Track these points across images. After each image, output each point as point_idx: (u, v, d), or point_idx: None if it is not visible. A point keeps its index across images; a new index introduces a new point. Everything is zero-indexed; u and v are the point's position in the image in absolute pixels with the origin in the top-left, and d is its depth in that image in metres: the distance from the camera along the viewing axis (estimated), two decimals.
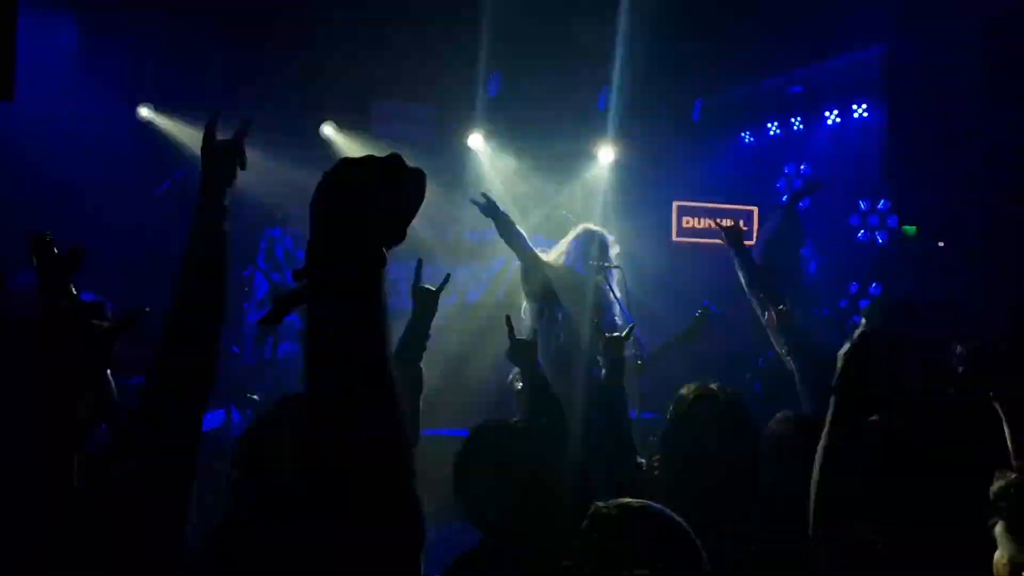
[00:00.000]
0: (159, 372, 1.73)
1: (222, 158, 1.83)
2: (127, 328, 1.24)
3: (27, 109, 4.22)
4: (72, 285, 1.46)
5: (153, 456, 1.62)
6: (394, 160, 0.86)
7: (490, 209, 3.73)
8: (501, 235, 3.89)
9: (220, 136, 1.84)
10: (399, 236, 0.85)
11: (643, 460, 2.46)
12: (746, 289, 3.32)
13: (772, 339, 3.14)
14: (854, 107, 5.53)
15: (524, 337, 2.97)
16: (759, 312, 3.21)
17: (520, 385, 3.28)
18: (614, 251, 4.07)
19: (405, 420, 0.82)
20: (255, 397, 4.63)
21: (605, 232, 4.09)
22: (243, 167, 1.85)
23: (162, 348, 1.72)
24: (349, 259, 0.80)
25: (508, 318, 3.03)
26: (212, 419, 4.61)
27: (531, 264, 3.84)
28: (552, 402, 2.62)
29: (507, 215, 3.88)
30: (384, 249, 0.83)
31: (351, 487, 0.77)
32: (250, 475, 1.89)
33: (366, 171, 0.84)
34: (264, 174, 4.84)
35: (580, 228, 4.08)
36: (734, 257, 3.34)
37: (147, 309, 1.35)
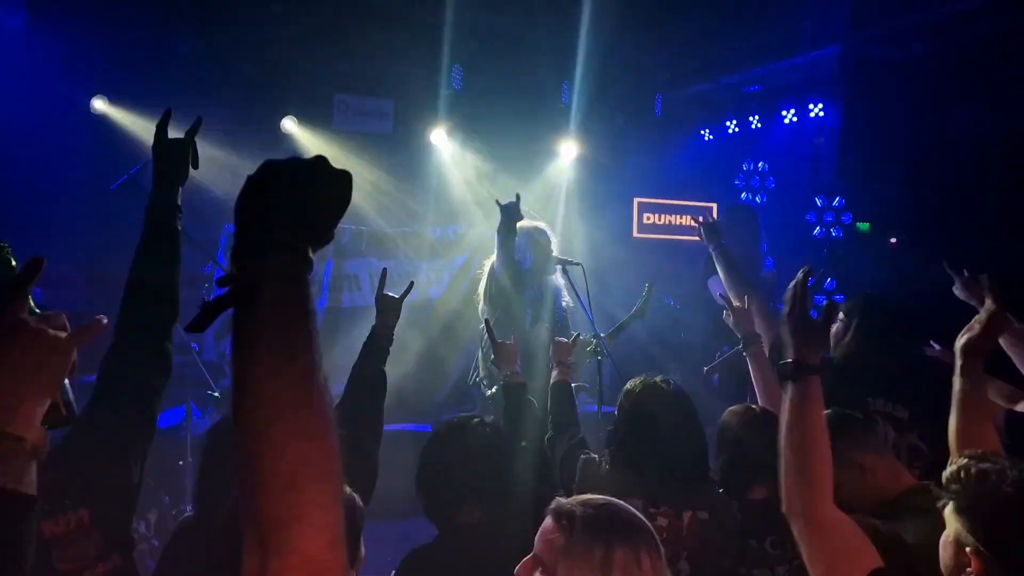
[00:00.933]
0: (111, 371, 1.68)
1: (174, 156, 1.82)
2: (87, 338, 1.11)
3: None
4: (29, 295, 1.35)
5: (106, 445, 1.61)
6: (316, 162, 0.86)
7: (514, 214, 3.64)
8: (500, 239, 3.74)
9: (173, 134, 1.82)
10: (323, 238, 0.85)
11: (595, 456, 2.46)
12: (724, 281, 3.29)
13: (735, 331, 3.12)
14: (811, 106, 5.56)
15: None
16: (727, 306, 3.20)
17: (490, 390, 3.40)
18: (554, 244, 4.03)
19: (332, 423, 0.78)
20: (215, 394, 4.54)
21: (544, 227, 4.05)
22: (195, 166, 1.85)
23: (115, 341, 1.69)
24: (268, 262, 0.78)
25: (488, 323, 3.07)
26: (173, 416, 4.57)
27: (510, 276, 3.77)
28: (530, 405, 2.64)
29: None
30: (308, 251, 0.82)
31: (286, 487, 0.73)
32: (215, 467, 1.96)
33: (284, 174, 0.83)
34: (224, 170, 4.74)
35: (533, 225, 4.02)
36: (713, 251, 3.33)
37: (104, 319, 1.20)
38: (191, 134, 1.84)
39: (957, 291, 2.98)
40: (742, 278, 3.28)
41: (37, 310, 1.16)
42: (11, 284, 1.18)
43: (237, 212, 0.83)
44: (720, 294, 3.60)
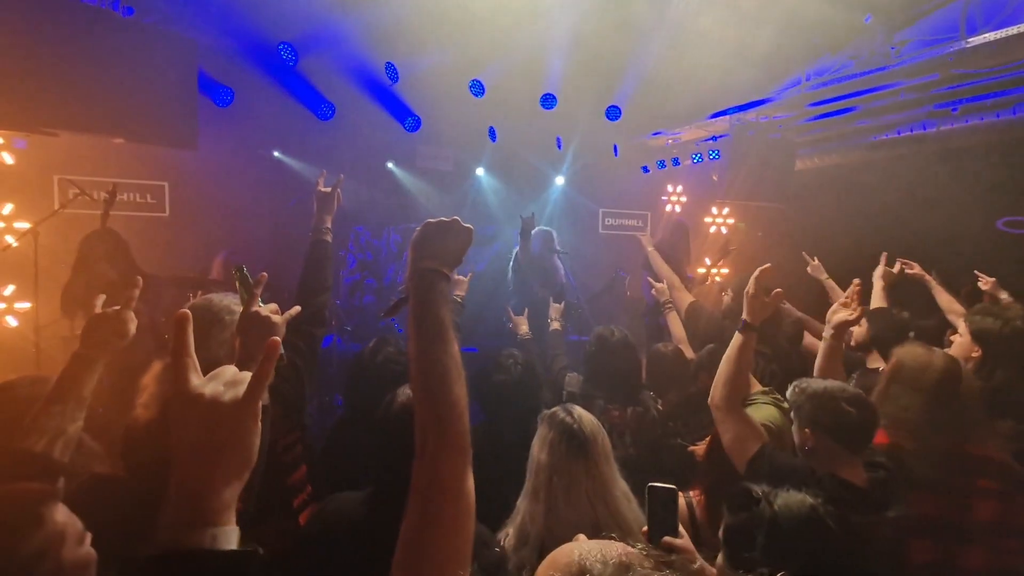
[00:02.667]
0: (295, 327, 1.83)
1: (327, 201, 2.20)
2: (288, 319, 1.44)
3: (199, 150, 4.41)
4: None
5: (299, 356, 1.86)
6: (452, 222, 1.07)
7: (529, 223, 4.06)
8: (521, 238, 4.17)
9: (325, 186, 2.23)
10: (455, 263, 1.06)
11: (575, 373, 2.67)
12: (655, 267, 3.55)
13: (657, 297, 3.55)
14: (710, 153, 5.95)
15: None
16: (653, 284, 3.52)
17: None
18: (556, 241, 4.60)
19: (457, 350, 0.93)
20: (348, 328, 5.32)
21: (550, 230, 4.67)
22: (340, 204, 2.25)
23: (296, 302, 1.82)
24: (428, 276, 1.00)
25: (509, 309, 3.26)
26: (326, 341, 4.85)
27: (526, 261, 4.28)
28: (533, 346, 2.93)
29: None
30: (445, 270, 1.02)
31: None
32: (361, 382, 2.20)
33: (437, 227, 1.06)
34: (353, 193, 5.41)
35: (539, 228, 4.56)
36: (649, 255, 3.54)
37: (298, 309, 1.56)
38: (336, 186, 2.22)
39: (809, 269, 3.45)
40: (665, 267, 3.43)
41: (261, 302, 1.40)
42: (250, 292, 1.40)
43: (410, 247, 1.06)
44: (648, 277, 3.89)
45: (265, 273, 1.40)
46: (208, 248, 4.41)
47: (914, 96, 4.21)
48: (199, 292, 3.52)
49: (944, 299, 2.96)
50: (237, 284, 1.45)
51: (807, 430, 1.63)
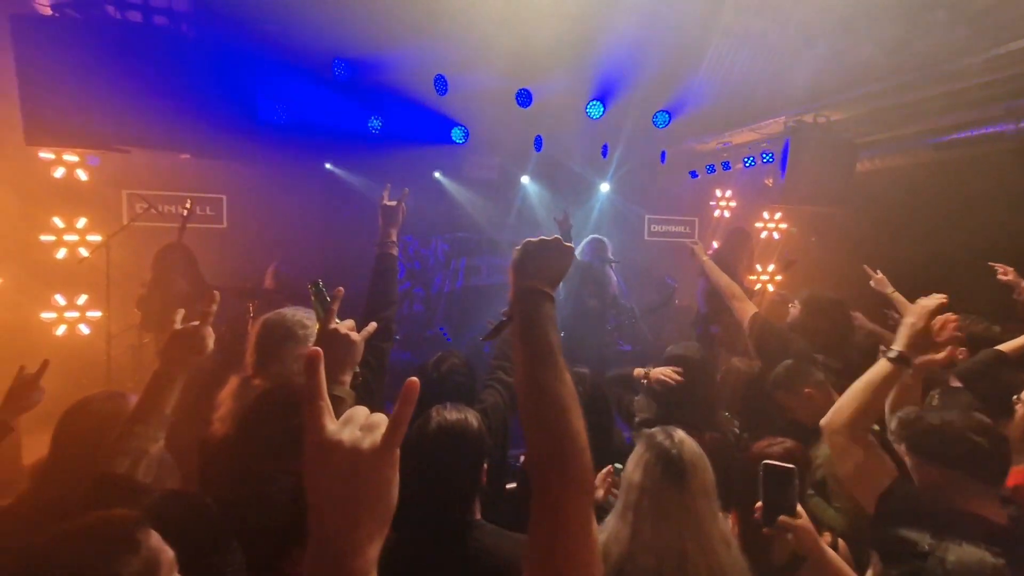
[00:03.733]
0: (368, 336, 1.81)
1: (392, 213, 2.19)
2: (366, 336, 1.39)
3: (254, 164, 4.83)
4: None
5: (370, 372, 1.82)
6: (553, 241, 1.03)
7: (566, 227, 3.76)
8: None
9: (390, 199, 2.22)
10: (556, 281, 1.01)
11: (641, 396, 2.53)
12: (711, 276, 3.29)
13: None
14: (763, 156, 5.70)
15: None
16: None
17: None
18: (609, 250, 4.53)
19: (569, 377, 0.87)
20: (397, 337, 5.65)
21: (604, 239, 4.60)
22: (404, 217, 2.23)
23: (364, 317, 1.80)
24: (532, 297, 0.95)
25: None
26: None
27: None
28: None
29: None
30: (548, 289, 0.97)
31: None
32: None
33: (538, 246, 1.02)
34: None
35: (591, 236, 4.60)
36: (704, 265, 3.31)
37: (374, 325, 1.50)
38: (401, 200, 2.22)
39: (872, 283, 3.19)
40: (725, 277, 3.16)
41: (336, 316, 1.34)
42: (326, 308, 1.35)
43: (511, 268, 1.01)
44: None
45: (341, 288, 1.36)
46: (262, 258, 4.51)
47: (988, 92, 3.92)
48: (256, 302, 3.61)
49: None
50: (313, 300, 1.39)
51: (933, 468, 1.47)
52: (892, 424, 1.60)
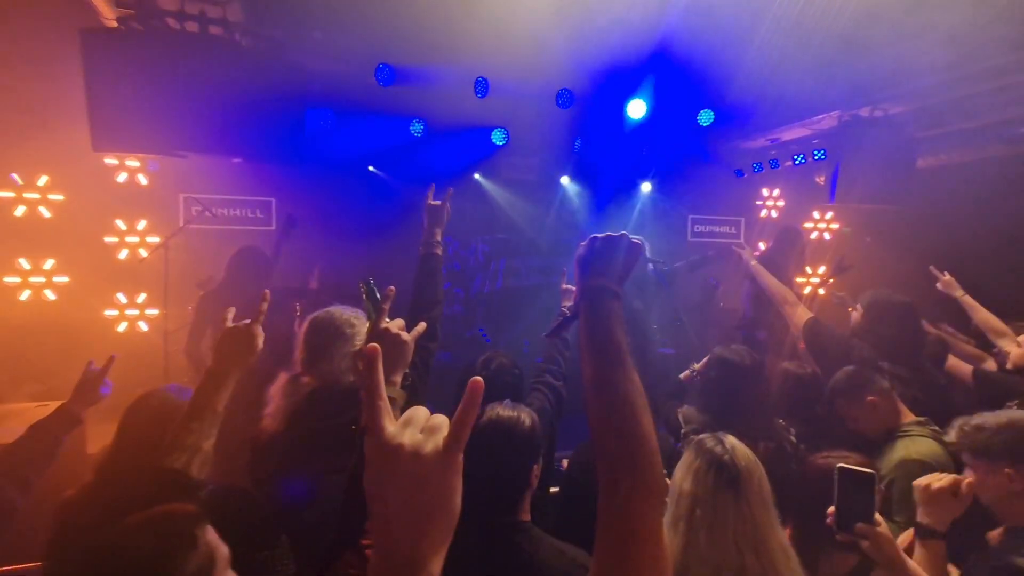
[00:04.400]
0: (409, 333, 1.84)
1: (437, 213, 2.19)
2: (415, 336, 1.35)
3: (302, 167, 4.89)
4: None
5: (423, 356, 1.84)
6: (620, 236, 1.00)
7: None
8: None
9: (434, 199, 2.23)
10: (624, 278, 0.97)
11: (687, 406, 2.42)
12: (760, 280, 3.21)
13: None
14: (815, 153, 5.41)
15: None
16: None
17: None
18: (648, 250, 4.21)
19: (637, 376, 0.84)
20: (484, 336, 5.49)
21: (642, 239, 4.89)
22: (448, 218, 2.24)
23: (409, 317, 1.77)
24: (599, 294, 0.93)
25: None
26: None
27: None
28: None
29: None
30: (615, 286, 0.94)
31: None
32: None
33: (605, 242, 0.99)
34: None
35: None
36: (753, 268, 3.22)
37: (424, 326, 1.45)
38: (446, 199, 2.22)
39: (939, 286, 3.07)
40: (774, 281, 3.07)
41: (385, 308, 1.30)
42: (377, 307, 1.32)
43: (576, 264, 0.99)
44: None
45: (393, 287, 1.34)
46: (309, 259, 4.61)
47: None
48: (303, 302, 3.68)
49: None
50: (364, 298, 1.37)
51: (1008, 470, 1.39)
52: (952, 433, 1.53)
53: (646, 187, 6.36)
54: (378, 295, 1.34)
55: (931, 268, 3.02)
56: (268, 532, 1.44)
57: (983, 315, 2.81)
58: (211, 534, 0.91)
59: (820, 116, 4.92)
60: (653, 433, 0.81)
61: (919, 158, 4.83)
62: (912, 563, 1.27)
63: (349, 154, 5.40)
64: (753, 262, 3.12)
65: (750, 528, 1.31)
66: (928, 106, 4.52)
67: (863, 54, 3.92)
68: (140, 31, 3.01)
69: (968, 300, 2.87)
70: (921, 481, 1.44)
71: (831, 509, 1.32)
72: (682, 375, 2.47)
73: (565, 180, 6.24)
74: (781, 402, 2.42)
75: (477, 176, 5.99)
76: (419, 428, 0.59)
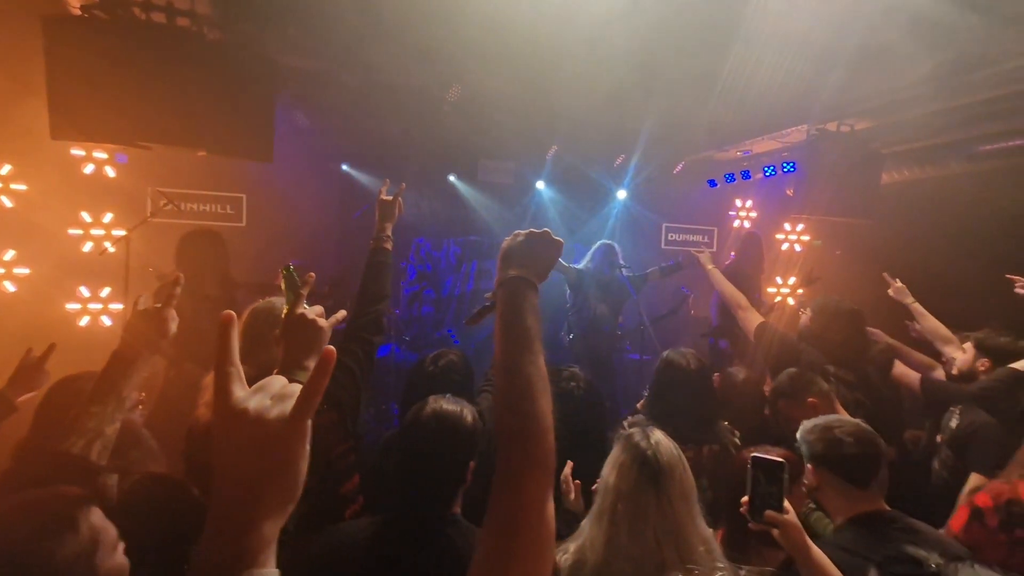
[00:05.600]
0: (353, 324, 1.92)
1: (388, 208, 2.19)
2: (336, 324, 1.33)
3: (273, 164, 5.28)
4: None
5: (356, 362, 1.83)
6: (541, 233, 1.06)
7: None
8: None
9: (387, 195, 2.23)
10: (545, 274, 1.03)
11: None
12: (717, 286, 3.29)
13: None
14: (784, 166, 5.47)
15: None
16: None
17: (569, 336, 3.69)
18: (619, 256, 4.45)
19: (543, 361, 0.87)
20: (407, 338, 5.49)
21: (614, 244, 4.50)
22: (401, 212, 2.25)
23: (355, 309, 1.95)
24: (516, 284, 0.97)
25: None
26: (384, 350, 5.28)
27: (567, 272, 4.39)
28: None
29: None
30: (535, 281, 0.99)
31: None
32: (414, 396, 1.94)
33: (527, 237, 1.05)
34: (414, 205, 5.64)
35: (600, 242, 4.50)
36: (710, 273, 3.31)
37: (344, 313, 1.46)
38: (397, 195, 2.23)
39: (891, 292, 3.17)
40: (729, 286, 3.14)
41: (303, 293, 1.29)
42: (296, 292, 1.30)
43: (499, 256, 1.04)
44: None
45: (313, 273, 1.34)
46: (280, 257, 4.56)
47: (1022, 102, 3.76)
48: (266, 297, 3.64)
49: None
50: (282, 284, 1.35)
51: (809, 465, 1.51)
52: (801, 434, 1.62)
53: (621, 194, 6.40)
54: (297, 280, 1.34)
55: (884, 275, 3.11)
56: (201, 523, 1.44)
57: (931, 323, 2.90)
58: (96, 516, 0.91)
59: (790, 129, 5.03)
60: (548, 414, 0.84)
61: (884, 173, 4.95)
62: (817, 551, 1.30)
63: (323, 152, 5.42)
64: (710, 266, 3.18)
65: (671, 523, 1.33)
66: (893, 123, 4.65)
67: (832, 70, 4.03)
68: (104, 20, 2.99)
69: (917, 307, 2.97)
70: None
71: (744, 498, 1.35)
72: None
73: (540, 185, 6.26)
74: (729, 406, 2.49)
75: (452, 178, 5.98)
76: (270, 395, 0.60)
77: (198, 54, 3.14)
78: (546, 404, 0.84)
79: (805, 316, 2.77)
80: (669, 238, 6.34)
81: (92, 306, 4.85)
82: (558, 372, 2.12)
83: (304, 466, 0.58)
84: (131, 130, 3.05)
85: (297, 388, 0.60)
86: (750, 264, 4.47)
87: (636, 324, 4.34)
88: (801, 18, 3.65)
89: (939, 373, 2.88)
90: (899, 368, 2.72)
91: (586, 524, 1.45)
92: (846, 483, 1.51)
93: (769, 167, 5.45)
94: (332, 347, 0.61)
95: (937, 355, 2.99)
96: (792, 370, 2.29)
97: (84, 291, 4.83)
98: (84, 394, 1.38)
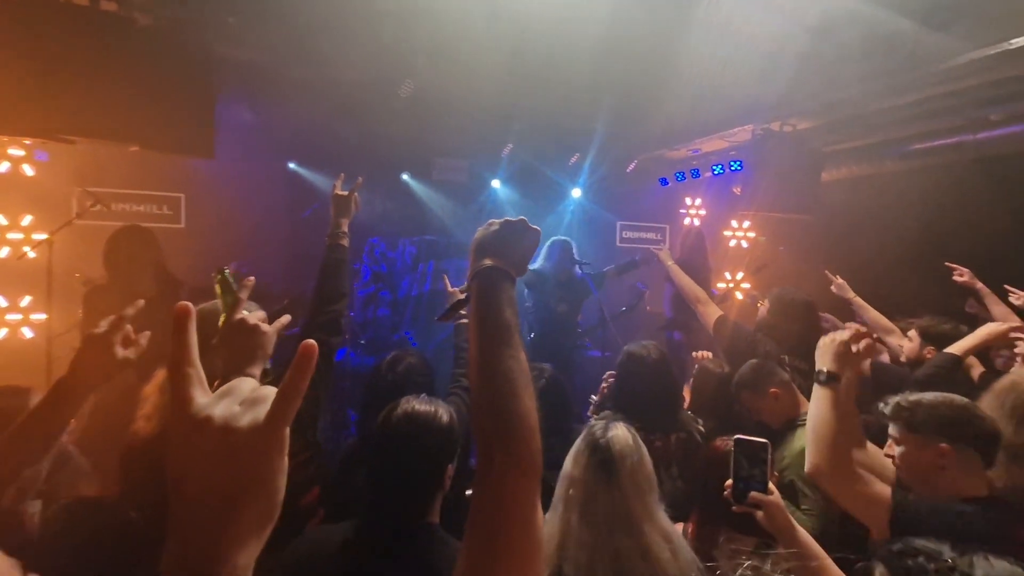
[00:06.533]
0: (309, 325, 1.86)
1: (344, 204, 2.13)
2: (283, 328, 1.29)
3: (215, 162, 5.03)
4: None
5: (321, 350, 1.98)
6: (518, 221, 0.99)
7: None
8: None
9: (342, 189, 2.17)
10: (522, 265, 0.96)
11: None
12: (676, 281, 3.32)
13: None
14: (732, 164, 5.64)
15: None
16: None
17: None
18: (575, 251, 4.39)
19: (524, 356, 0.82)
20: (362, 341, 5.31)
21: (568, 240, 4.46)
22: (357, 208, 2.18)
23: (310, 310, 1.88)
24: (491, 275, 0.91)
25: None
26: (339, 354, 5.36)
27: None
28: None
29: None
30: (507, 268, 0.92)
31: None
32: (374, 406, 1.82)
33: (503, 226, 0.98)
34: (367, 204, 5.76)
35: (553, 239, 4.43)
36: (670, 269, 3.32)
37: (288, 318, 1.39)
38: (353, 190, 2.16)
39: (833, 288, 3.26)
40: (688, 280, 3.18)
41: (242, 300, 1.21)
42: (234, 297, 1.24)
43: (472, 247, 0.97)
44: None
45: (252, 277, 1.26)
46: (224, 260, 4.31)
47: (950, 102, 4.02)
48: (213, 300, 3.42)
49: (999, 311, 2.75)
50: (217, 289, 1.28)
51: (943, 445, 1.46)
52: (888, 408, 1.58)
53: (576, 192, 6.43)
54: (233, 284, 1.27)
55: (825, 271, 3.25)
56: (139, 548, 1.29)
57: (872, 315, 3.04)
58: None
59: (736, 129, 5.19)
60: (533, 413, 0.79)
61: (825, 171, 5.19)
62: (803, 531, 1.31)
63: (270, 149, 5.20)
64: (670, 263, 3.23)
65: (622, 511, 1.33)
66: (832, 122, 4.87)
67: (776, 71, 4.18)
68: (17, 1, 2.72)
69: (858, 301, 3.11)
70: (825, 338, 1.61)
71: (728, 482, 1.36)
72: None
73: (496, 183, 6.21)
74: (702, 399, 2.54)
75: (405, 177, 5.85)
76: (239, 400, 0.51)
77: (127, 41, 2.91)
78: (529, 402, 0.79)
79: (763, 307, 2.83)
80: (624, 236, 6.49)
81: (11, 316, 4.44)
82: None
83: (282, 481, 0.50)
84: (50, 123, 2.80)
85: (271, 392, 0.52)
86: (696, 260, 4.57)
87: (596, 321, 4.33)
88: (747, 20, 3.77)
89: (884, 357, 3.01)
90: None
91: (548, 514, 1.45)
92: None
93: (718, 165, 5.61)
94: (312, 341, 0.52)
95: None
96: (754, 361, 2.33)
97: (1, 300, 4.40)
98: (2, 413, 1.22)
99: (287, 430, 0.50)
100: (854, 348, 1.58)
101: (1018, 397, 1.59)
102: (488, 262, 0.92)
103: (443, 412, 1.44)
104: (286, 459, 0.51)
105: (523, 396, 0.78)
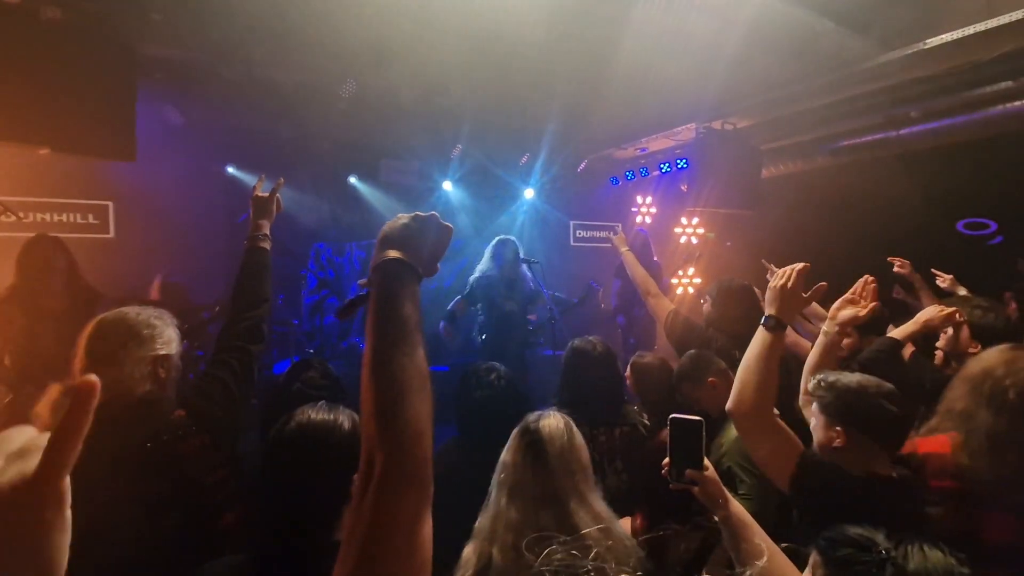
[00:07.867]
0: (225, 342, 1.76)
1: (263, 205, 2.03)
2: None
3: (146, 167, 4.78)
4: None
5: (232, 376, 1.65)
6: (428, 217, 0.93)
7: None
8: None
9: (263, 191, 2.07)
10: (431, 262, 0.91)
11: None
12: (629, 269, 3.26)
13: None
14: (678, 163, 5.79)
15: None
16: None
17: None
18: (521, 249, 4.38)
19: (425, 359, 0.78)
20: (310, 351, 5.19)
21: (513, 239, 4.42)
22: (279, 210, 2.06)
23: (229, 316, 1.80)
24: (394, 268, 0.85)
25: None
26: (283, 366, 4.93)
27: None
28: None
29: None
30: (413, 263, 0.87)
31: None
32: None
33: (412, 219, 0.93)
34: (312, 210, 5.27)
35: (498, 238, 4.38)
36: (623, 255, 3.27)
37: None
38: (274, 191, 2.07)
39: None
40: (641, 270, 3.16)
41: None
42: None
43: (378, 240, 0.90)
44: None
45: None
46: (155, 270, 4.08)
47: (873, 101, 4.22)
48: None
49: (928, 299, 2.90)
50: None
51: (838, 428, 1.52)
52: (810, 385, 1.62)
53: (529, 193, 6.43)
54: None
55: (763, 261, 3.33)
56: None
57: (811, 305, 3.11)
58: None
59: (680, 128, 5.30)
60: (423, 418, 0.72)
61: (764, 168, 5.36)
62: (736, 504, 1.33)
63: (205, 153, 4.98)
64: (624, 248, 3.22)
65: (550, 490, 1.34)
66: (768, 121, 5.04)
67: (714, 69, 4.28)
68: None
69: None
70: (771, 283, 1.67)
71: (666, 460, 1.36)
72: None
73: (447, 185, 6.14)
74: (644, 392, 2.53)
75: (352, 179, 5.70)
76: (4, 455, 0.46)
77: (33, 35, 2.70)
78: (420, 405, 0.72)
79: (706, 304, 2.86)
80: (577, 235, 6.59)
81: None
82: (479, 368, 2.12)
83: (65, 540, 0.44)
84: None
85: (45, 440, 0.45)
86: (643, 262, 4.61)
87: (546, 318, 4.32)
88: (682, 20, 3.84)
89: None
90: (792, 337, 2.87)
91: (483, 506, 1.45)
92: None
93: (665, 163, 5.71)
94: (93, 377, 0.46)
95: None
96: (692, 352, 2.35)
97: None
98: None
99: (65, 481, 0.45)
100: (790, 285, 1.61)
101: (996, 383, 1.56)
102: (392, 254, 0.86)
103: (345, 419, 1.31)
104: (67, 512, 0.45)
105: (412, 398, 0.72)
